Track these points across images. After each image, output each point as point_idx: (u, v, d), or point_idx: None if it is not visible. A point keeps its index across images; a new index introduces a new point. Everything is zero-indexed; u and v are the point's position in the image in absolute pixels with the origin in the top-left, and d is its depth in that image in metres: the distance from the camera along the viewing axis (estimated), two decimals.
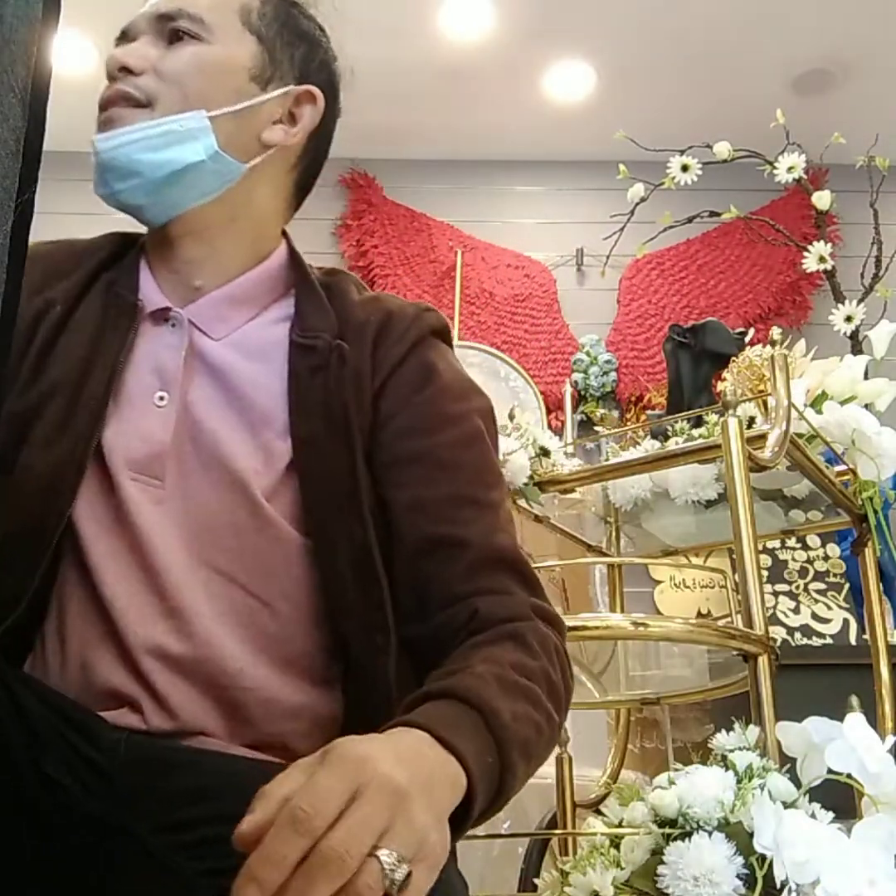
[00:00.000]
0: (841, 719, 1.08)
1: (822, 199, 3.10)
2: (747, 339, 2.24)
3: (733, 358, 2.15)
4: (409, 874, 0.57)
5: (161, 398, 0.90)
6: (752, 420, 1.71)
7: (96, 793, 0.77)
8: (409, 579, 0.88)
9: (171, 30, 0.93)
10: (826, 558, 2.44)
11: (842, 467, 1.80)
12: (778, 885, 1.00)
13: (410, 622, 0.87)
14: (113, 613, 0.83)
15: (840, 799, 1.12)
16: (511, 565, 0.88)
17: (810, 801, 1.10)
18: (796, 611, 2.36)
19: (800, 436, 1.65)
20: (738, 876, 1.04)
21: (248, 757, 0.82)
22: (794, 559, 2.45)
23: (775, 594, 2.38)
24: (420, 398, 0.92)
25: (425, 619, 0.86)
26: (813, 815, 1.08)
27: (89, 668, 0.83)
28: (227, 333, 0.94)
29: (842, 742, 1.06)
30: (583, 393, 3.61)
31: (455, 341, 1.02)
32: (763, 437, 1.54)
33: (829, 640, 2.32)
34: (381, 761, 0.60)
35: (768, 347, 1.88)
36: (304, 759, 0.61)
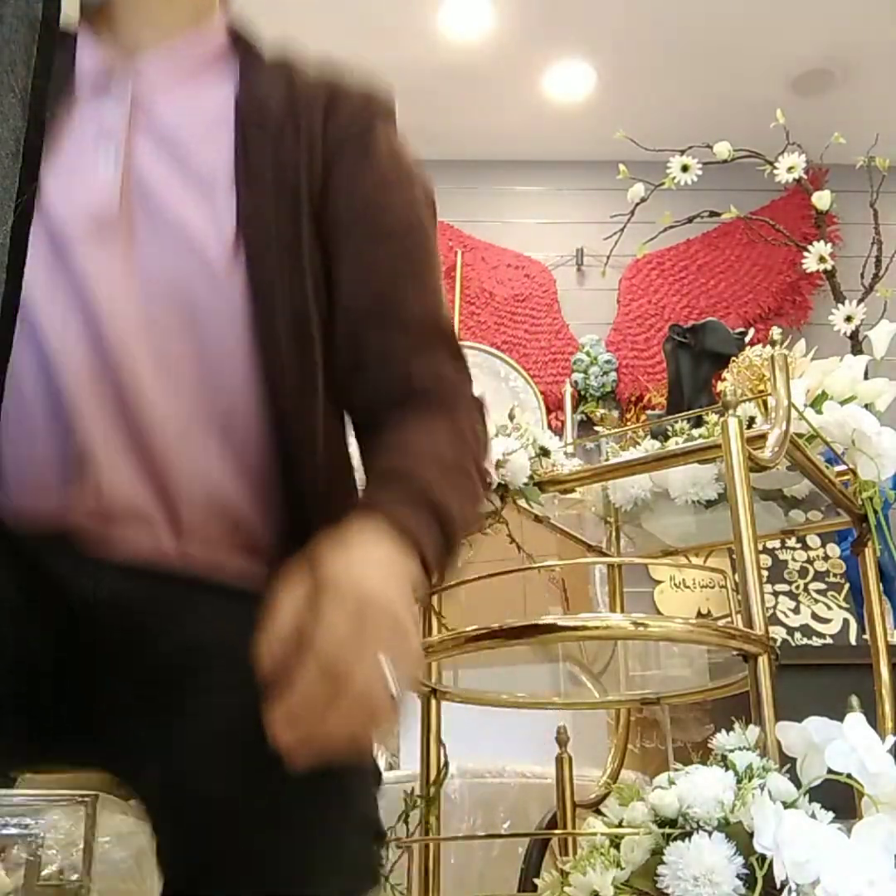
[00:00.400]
0: (841, 719, 1.08)
1: (822, 199, 3.11)
2: (747, 339, 2.24)
3: (733, 358, 2.15)
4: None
5: (106, 162, 0.88)
6: (752, 420, 1.71)
7: (70, 645, 0.77)
8: (349, 348, 0.91)
9: None
10: (826, 558, 2.44)
11: (842, 467, 1.79)
12: (778, 885, 1.00)
13: (347, 385, 0.92)
14: (67, 390, 0.82)
15: (840, 799, 1.12)
16: (444, 338, 0.93)
17: (810, 801, 1.10)
18: (796, 611, 2.36)
19: (800, 436, 1.64)
20: (738, 876, 1.04)
21: (234, 591, 0.81)
22: (794, 559, 2.45)
23: (775, 594, 2.38)
24: (366, 173, 0.94)
25: (361, 385, 0.91)
26: (813, 815, 1.07)
27: (45, 448, 0.82)
28: (171, 96, 0.93)
29: (842, 742, 1.06)
30: (583, 393, 3.61)
31: None
32: (763, 437, 1.54)
33: (829, 640, 2.32)
34: (378, 587, 0.68)
35: (768, 347, 1.88)
36: (292, 578, 0.68)
